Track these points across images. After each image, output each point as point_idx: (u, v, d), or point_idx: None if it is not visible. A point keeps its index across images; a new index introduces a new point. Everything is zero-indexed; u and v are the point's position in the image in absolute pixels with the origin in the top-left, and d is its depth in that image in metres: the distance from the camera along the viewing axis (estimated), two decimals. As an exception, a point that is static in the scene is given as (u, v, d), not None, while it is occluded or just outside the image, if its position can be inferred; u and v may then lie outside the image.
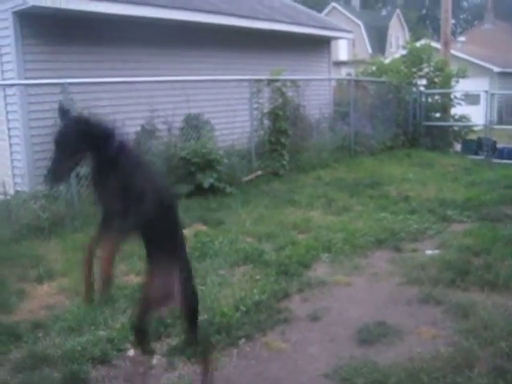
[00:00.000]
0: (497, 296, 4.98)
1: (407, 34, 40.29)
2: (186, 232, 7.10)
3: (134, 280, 5.47)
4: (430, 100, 16.10)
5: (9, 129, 9.69)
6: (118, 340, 4.24)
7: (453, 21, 64.10)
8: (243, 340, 4.31)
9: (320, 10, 40.04)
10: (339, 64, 31.19)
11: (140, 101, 10.23)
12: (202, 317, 4.57)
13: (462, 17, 72.53)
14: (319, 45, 16.28)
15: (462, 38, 38.67)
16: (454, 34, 52.44)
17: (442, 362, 3.83)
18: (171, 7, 10.81)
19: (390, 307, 4.91)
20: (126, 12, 9.86)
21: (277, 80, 10.99)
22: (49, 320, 4.67)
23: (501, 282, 5.19)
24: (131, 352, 4.14)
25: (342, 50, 36.86)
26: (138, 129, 10.11)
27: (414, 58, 16.09)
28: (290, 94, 11.28)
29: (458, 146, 15.98)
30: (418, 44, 17.22)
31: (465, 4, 71.55)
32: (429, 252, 6.35)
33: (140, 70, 10.46)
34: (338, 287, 5.38)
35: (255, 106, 10.78)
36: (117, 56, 10.37)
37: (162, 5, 10.59)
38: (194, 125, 9.97)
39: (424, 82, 16.22)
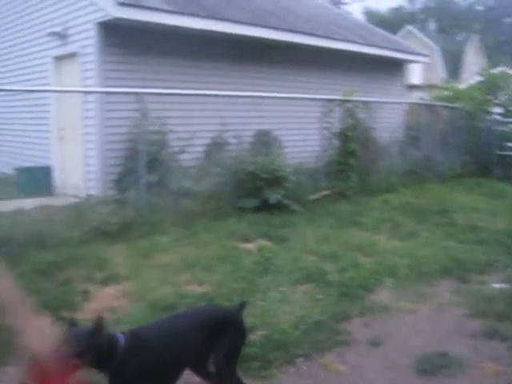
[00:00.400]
0: None
1: (483, 60, 39.45)
2: (250, 246, 7.19)
3: (197, 290, 5.53)
4: (505, 129, 15.69)
5: (85, 134, 10.03)
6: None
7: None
8: (301, 359, 4.27)
9: (395, 32, 39.72)
10: (411, 87, 30.79)
11: (212, 114, 10.43)
12: (261, 332, 4.60)
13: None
14: (393, 67, 16.16)
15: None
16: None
17: (506, 400, 3.70)
18: (249, 24, 10.99)
19: (453, 339, 4.77)
20: (205, 27, 10.09)
21: (349, 101, 10.95)
22: (110, 322, 4.76)
23: None
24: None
25: (414, 74, 36.38)
26: (209, 141, 10.28)
27: (491, 85, 15.76)
28: (361, 115, 11.22)
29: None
30: (495, 71, 16.87)
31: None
32: (496, 286, 6.15)
33: (213, 83, 10.65)
34: (401, 314, 5.27)
35: (326, 125, 10.76)
36: (192, 69, 10.60)
37: (240, 21, 10.77)
38: (264, 141, 10.04)
39: (499, 110, 15.85)
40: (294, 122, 11.69)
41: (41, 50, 11.31)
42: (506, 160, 15.05)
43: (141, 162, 8.20)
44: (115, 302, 5.29)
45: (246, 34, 10.92)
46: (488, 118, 15.50)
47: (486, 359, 4.38)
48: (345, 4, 61.40)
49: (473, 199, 11.41)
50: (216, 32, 10.32)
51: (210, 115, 10.46)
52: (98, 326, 2.58)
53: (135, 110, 8.39)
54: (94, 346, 2.52)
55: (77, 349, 2.39)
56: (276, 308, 5.09)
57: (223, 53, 11.02)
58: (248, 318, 4.76)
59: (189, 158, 9.44)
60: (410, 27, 46.71)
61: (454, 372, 4.16)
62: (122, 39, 9.68)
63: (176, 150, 9.25)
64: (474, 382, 4.02)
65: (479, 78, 16.85)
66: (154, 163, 8.59)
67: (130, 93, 8.60)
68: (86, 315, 4.90)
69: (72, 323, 2.63)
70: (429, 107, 14.75)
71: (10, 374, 3.91)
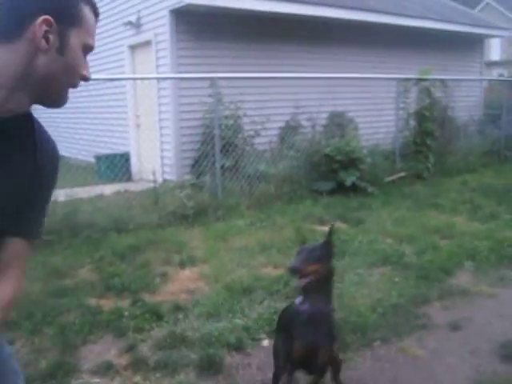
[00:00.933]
0: None
1: None
2: (326, 229, 7.13)
3: (272, 272, 5.55)
4: None
5: (160, 120, 10.21)
6: (253, 329, 4.32)
7: None
8: (378, 342, 4.22)
9: (473, 7, 38.30)
10: (490, 64, 29.70)
11: (285, 97, 10.40)
12: (338, 315, 4.57)
13: None
14: (471, 43, 15.61)
15: None
16: None
17: None
18: (320, 4, 10.85)
19: (538, 323, 4.60)
20: (274, 9, 10.03)
21: (425, 79, 10.67)
22: (189, 303, 4.86)
23: None
24: (265, 342, 4.21)
25: (494, 49, 35.03)
26: (283, 124, 10.27)
27: None
28: (438, 94, 10.91)
29: None
30: None
31: None
32: None
33: (286, 65, 10.61)
34: (482, 298, 5.11)
35: (401, 105, 10.54)
36: (264, 52, 10.58)
37: (310, 2, 10.65)
38: (338, 122, 9.95)
39: None
40: (369, 102, 11.49)
41: (116, 40, 11.57)
42: None
43: (216, 147, 8.28)
44: (193, 284, 5.38)
45: (316, 15, 10.79)
46: None
47: None
48: (420, -20, 59.76)
49: (558, 179, 10.94)
50: (286, 14, 10.25)
51: (283, 98, 10.43)
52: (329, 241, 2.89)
53: (209, 95, 8.47)
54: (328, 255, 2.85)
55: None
56: (353, 291, 5.05)
57: (294, 35, 10.94)
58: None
59: (263, 142, 9.47)
60: (488, 0, 44.94)
61: (538, 359, 4.01)
62: (194, 25, 9.76)
63: (250, 133, 9.30)
64: (560, 368, 3.86)
65: None
66: (228, 147, 8.67)
67: (204, 78, 8.69)
68: (164, 297, 5.03)
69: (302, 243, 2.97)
70: (510, 84, 14.17)
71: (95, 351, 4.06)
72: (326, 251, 2.86)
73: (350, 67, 11.52)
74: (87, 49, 1.39)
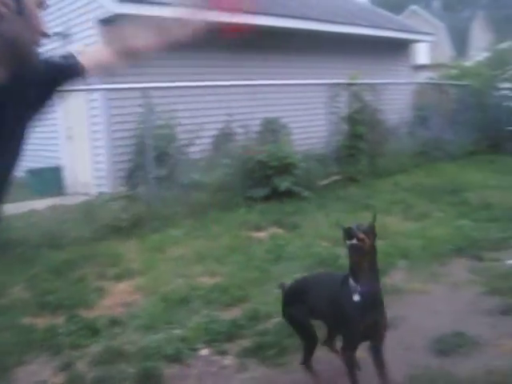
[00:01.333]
0: None
1: (490, 36, 39.05)
2: (262, 235, 7.18)
3: (209, 281, 5.54)
4: (514, 104, 15.54)
5: (92, 131, 10.05)
6: (191, 339, 4.30)
7: (541, 22, 61.67)
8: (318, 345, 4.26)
9: (399, 13, 39.37)
10: (420, 67, 30.57)
11: (218, 105, 10.40)
12: (276, 320, 4.59)
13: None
14: (398, 48, 16.05)
15: (550, 40, 37.05)
16: (541, 35, 50.39)
17: (523, 376, 3.67)
18: (251, 12, 10.89)
19: (468, 317, 4.74)
20: (205, 17, 10.01)
21: (354, 84, 10.88)
22: (126, 317, 4.79)
23: None
24: (204, 352, 4.19)
25: (421, 54, 36.08)
26: (217, 132, 10.27)
27: (498, 61, 15.58)
28: (368, 98, 11.14)
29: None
30: (502, 46, 16.69)
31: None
32: (511, 262, 6.11)
33: (219, 74, 10.61)
34: (415, 295, 5.24)
35: (333, 110, 10.71)
36: (196, 61, 10.56)
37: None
38: (272, 128, 10.01)
39: (509, 85, 15.68)
40: (301, 108, 11.64)
41: (45, 51, 11.29)
42: (517, 136, 14.92)
43: (149, 157, 8.21)
44: (129, 297, 5.31)
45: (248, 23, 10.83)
46: (497, 93, 15.34)
47: (503, 336, 4.34)
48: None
49: (485, 176, 11.32)
50: (217, 22, 10.23)
51: (216, 106, 10.44)
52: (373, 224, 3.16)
53: (140, 105, 8.39)
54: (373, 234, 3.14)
55: None
56: (290, 295, 5.08)
57: (227, 43, 10.94)
58: (262, 307, 4.79)
59: (197, 151, 9.44)
60: (414, 7, 46.30)
61: (470, 351, 4.12)
62: (124, 35, 9.64)
63: (184, 142, 9.25)
64: (491, 359, 3.98)
65: (486, 54, 16.66)
66: (162, 157, 8.60)
67: (134, 88, 8.60)
68: (101, 312, 4.94)
69: None
70: (436, 86, 14.64)
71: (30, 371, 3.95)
72: (371, 230, 3.11)
73: (282, 74, 11.64)
74: (41, 5, 1.56)
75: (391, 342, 4.30)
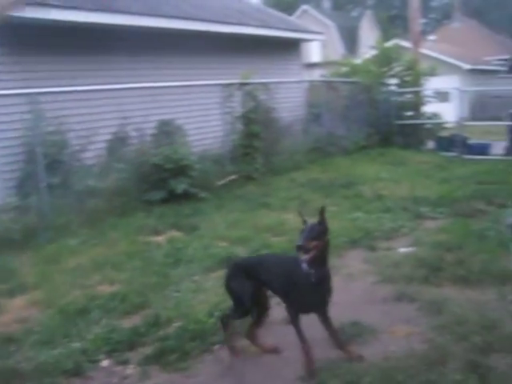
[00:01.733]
0: (469, 291, 5.01)
1: (378, 34, 40.56)
2: (160, 239, 7.10)
3: (108, 290, 5.42)
4: (401, 99, 16.24)
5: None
6: (91, 351, 4.20)
7: (423, 20, 64.47)
8: (218, 346, 4.28)
9: (291, 13, 40.15)
10: (312, 66, 31.28)
11: (112, 108, 10.17)
12: (177, 324, 4.56)
13: (431, 16, 73.03)
14: (290, 47, 16.33)
15: (432, 37, 38.93)
16: (424, 32, 52.61)
17: (416, 359, 3.83)
18: (141, 14, 10.78)
19: (364, 306, 4.91)
20: (96, 20, 9.80)
21: (248, 83, 10.98)
22: (21, 333, 4.61)
23: (473, 277, 5.23)
24: (105, 363, 4.10)
25: (315, 52, 36.95)
26: (111, 137, 10.04)
27: (384, 58, 16.21)
28: (261, 97, 11.27)
29: (430, 144, 16.09)
30: (387, 44, 17.38)
31: (434, 3, 72.11)
32: (403, 250, 6.38)
33: (111, 77, 10.38)
34: (313, 288, 5.36)
35: (227, 110, 10.76)
36: (88, 64, 10.29)
37: (132, 12, 10.55)
38: (166, 131, 9.90)
39: (395, 81, 16.36)
40: (196, 109, 11.61)
41: None
42: (405, 129, 15.62)
43: (39, 165, 7.90)
44: (25, 312, 5.12)
45: (139, 25, 10.70)
46: (385, 89, 15.97)
47: (397, 322, 4.54)
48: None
49: (377, 169, 11.76)
50: (109, 24, 10.05)
51: (109, 110, 10.20)
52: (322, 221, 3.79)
53: (28, 112, 8.08)
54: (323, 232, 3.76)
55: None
56: (190, 298, 5.07)
57: (119, 45, 10.75)
58: (162, 312, 4.74)
59: (91, 156, 9.20)
60: (305, 6, 47.31)
61: (366, 339, 4.28)
62: (11, 38, 9.24)
63: (77, 148, 8.98)
64: (386, 345, 4.15)
65: (374, 52, 17.27)
66: (54, 164, 8.31)
67: (21, 94, 8.25)
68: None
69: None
70: (328, 84, 15.02)
71: None
72: (321, 229, 3.74)
73: (175, 75, 11.55)
74: None
75: (292, 338, 4.39)
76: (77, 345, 4.30)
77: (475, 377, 3.54)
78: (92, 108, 9.94)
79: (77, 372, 3.96)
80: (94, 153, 9.30)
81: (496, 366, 3.70)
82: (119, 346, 4.27)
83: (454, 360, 3.79)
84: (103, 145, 9.86)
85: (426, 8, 62.82)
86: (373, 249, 6.48)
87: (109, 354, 4.20)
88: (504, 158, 12.88)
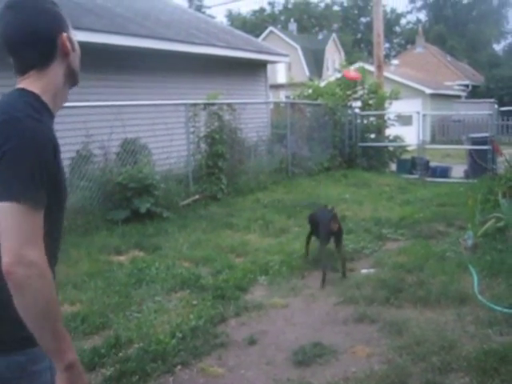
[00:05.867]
0: (429, 312, 5.09)
1: (343, 58, 41.17)
2: (123, 259, 7.04)
3: (68, 309, 5.33)
4: (365, 122, 16.52)
5: None
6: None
7: (387, 45, 66.05)
8: (179, 367, 4.25)
9: (258, 35, 40.59)
10: (278, 87, 31.60)
11: (75, 126, 10.07)
12: (138, 345, 4.52)
13: (395, 41, 74.64)
14: (256, 68, 16.47)
15: (395, 61, 39.75)
16: (388, 57, 53.90)
17: (377, 379, 3.88)
18: (107, 32, 10.76)
19: (326, 328, 4.95)
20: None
21: (213, 104, 11.03)
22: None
23: (433, 298, 5.31)
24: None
25: (280, 73, 37.35)
26: (74, 154, 9.94)
27: (349, 81, 16.46)
28: (226, 117, 11.32)
29: (393, 166, 16.36)
30: (352, 67, 17.67)
31: (397, 29, 73.70)
32: (364, 271, 6.46)
33: (76, 94, 10.21)
34: (275, 310, 5.38)
35: (192, 130, 10.76)
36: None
37: (97, 29, 10.51)
38: (131, 149, 9.85)
39: (359, 104, 16.62)
40: (161, 128, 11.56)
41: None
42: (368, 151, 15.87)
43: None
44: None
45: (105, 43, 10.66)
46: (349, 112, 16.21)
47: (358, 343, 4.58)
48: (208, 8, 62.03)
49: (340, 190, 11.89)
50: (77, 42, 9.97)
51: (73, 127, 10.10)
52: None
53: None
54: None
55: None
56: (152, 319, 5.03)
57: (84, 63, 10.64)
58: (123, 332, 4.69)
59: (53, 174, 9.08)
60: (272, 28, 47.89)
61: (327, 360, 4.31)
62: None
63: (39, 166, 8.85)
64: (347, 366, 4.19)
65: (339, 75, 17.52)
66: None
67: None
68: None
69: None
70: (293, 105, 15.15)
71: None
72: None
73: (141, 93, 11.53)
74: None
75: (253, 358, 4.41)
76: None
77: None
78: (55, 125, 9.84)
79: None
80: (56, 171, 9.20)
81: (453, 385, 3.78)
82: (79, 368, 4.20)
83: (412, 380, 3.86)
84: (67, 162, 9.76)
85: (390, 33, 64.39)
86: (335, 270, 6.53)
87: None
88: (464, 180, 13.14)
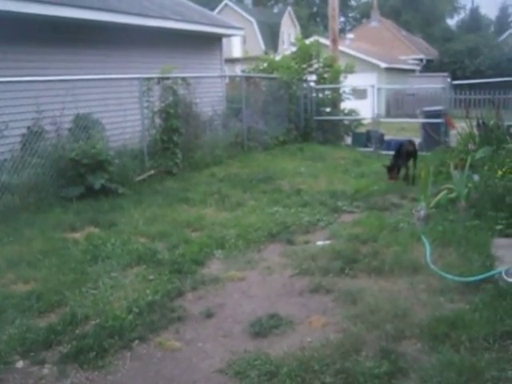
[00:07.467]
0: (383, 281, 5.20)
1: (298, 31, 41.02)
2: (78, 236, 6.96)
3: (23, 288, 5.26)
4: (320, 95, 16.58)
5: None
6: (5, 352, 4.06)
7: (342, 19, 66.13)
8: (137, 342, 4.26)
9: (213, 8, 40.08)
10: (234, 61, 31.36)
11: (26, 101, 9.84)
12: (94, 321, 4.50)
13: (351, 15, 74.71)
14: (211, 42, 16.31)
15: (350, 35, 39.79)
16: (343, 31, 54.01)
17: (332, 348, 3.95)
18: (58, 4, 10.46)
19: (282, 299, 5.00)
20: (8, 8, 9.45)
21: (167, 78, 10.89)
22: None
23: (386, 268, 5.43)
24: (20, 364, 3.99)
25: (236, 47, 37.05)
26: (25, 131, 9.72)
27: (304, 55, 16.48)
28: (181, 91, 11.20)
29: (348, 140, 16.50)
30: (307, 41, 17.66)
31: (353, 2, 73.74)
32: (320, 243, 6.53)
33: (27, 69, 10.04)
34: (232, 283, 5.41)
35: (146, 104, 10.62)
36: (3, 55, 9.91)
37: (48, 1, 10.22)
38: (83, 125, 9.68)
39: (314, 77, 16.65)
40: (114, 103, 11.37)
41: None
42: (324, 125, 15.97)
43: None
44: None
45: (57, 15, 10.37)
46: (304, 86, 16.23)
47: (313, 313, 4.66)
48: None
49: (296, 164, 11.95)
50: (26, 14, 9.70)
51: (24, 103, 9.87)
52: None
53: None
54: None
55: None
56: (108, 295, 5.00)
57: (35, 36, 10.40)
58: (80, 309, 4.66)
59: (3, 151, 8.87)
60: (226, 1, 47.35)
61: (284, 330, 4.37)
62: None
63: (-12, 142, 8.65)
64: (303, 336, 4.25)
65: (294, 48, 17.49)
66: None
67: None
68: None
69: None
70: (248, 79, 15.08)
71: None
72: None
73: (94, 68, 11.30)
74: None
75: (210, 331, 4.44)
76: (-11, 346, 4.16)
77: (387, 363, 3.69)
78: (4, 101, 9.59)
79: (-12, 374, 3.83)
80: (6, 147, 8.98)
81: (407, 352, 3.88)
82: (35, 346, 4.16)
83: (367, 348, 3.95)
84: (18, 139, 9.54)
85: (345, 7, 64.37)
86: (291, 242, 6.60)
87: (24, 354, 4.08)
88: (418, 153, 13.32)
